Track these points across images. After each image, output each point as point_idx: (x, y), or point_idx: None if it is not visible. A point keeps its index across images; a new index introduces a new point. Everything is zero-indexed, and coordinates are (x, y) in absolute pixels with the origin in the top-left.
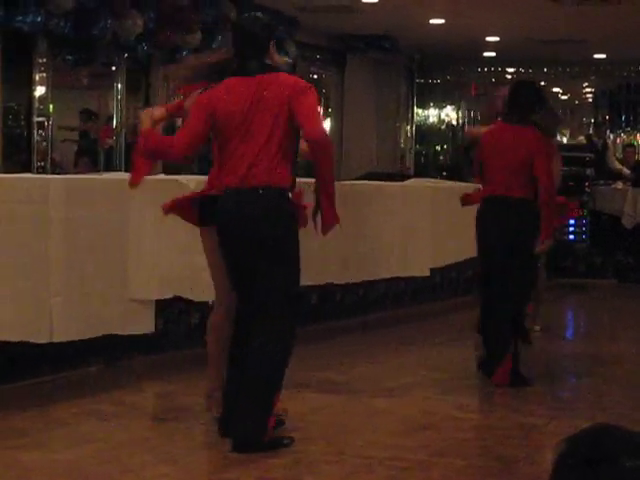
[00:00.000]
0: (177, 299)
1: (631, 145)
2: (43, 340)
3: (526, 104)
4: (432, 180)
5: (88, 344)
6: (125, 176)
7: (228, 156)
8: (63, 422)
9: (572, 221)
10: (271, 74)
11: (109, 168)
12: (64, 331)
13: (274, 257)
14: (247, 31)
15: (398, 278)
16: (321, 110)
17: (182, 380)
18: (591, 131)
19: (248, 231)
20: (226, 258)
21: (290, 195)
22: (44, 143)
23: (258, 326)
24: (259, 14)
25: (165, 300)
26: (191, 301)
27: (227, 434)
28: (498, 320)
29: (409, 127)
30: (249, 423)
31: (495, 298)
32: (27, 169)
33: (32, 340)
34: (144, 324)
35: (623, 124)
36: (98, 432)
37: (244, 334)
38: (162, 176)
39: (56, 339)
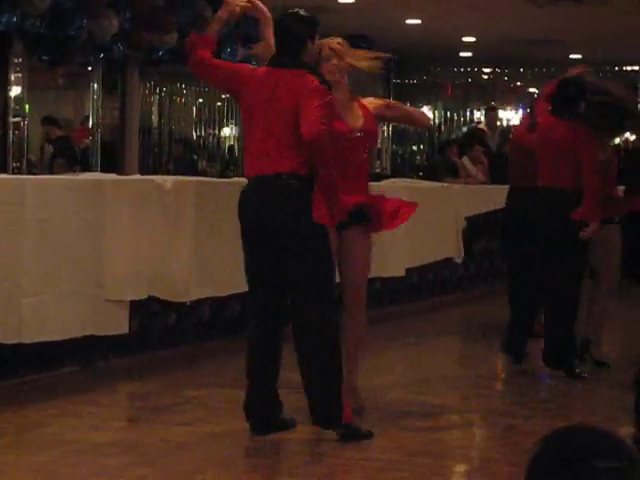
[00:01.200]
0: (153, 300)
1: None
2: (11, 340)
3: (572, 100)
4: (408, 180)
5: (63, 345)
6: (101, 176)
7: (249, 145)
8: (39, 423)
9: None
10: (293, 70)
11: (85, 168)
12: (34, 332)
13: (284, 247)
14: (285, 26)
15: (373, 278)
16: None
17: (158, 381)
18: None
19: (258, 218)
20: (244, 249)
21: (308, 185)
22: (20, 143)
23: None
24: (301, 11)
25: (141, 301)
26: (167, 302)
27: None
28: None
29: (385, 127)
30: (327, 410)
31: (519, 284)
32: (2, 169)
33: None
34: (118, 325)
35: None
36: (74, 433)
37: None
38: (138, 176)
39: (25, 340)
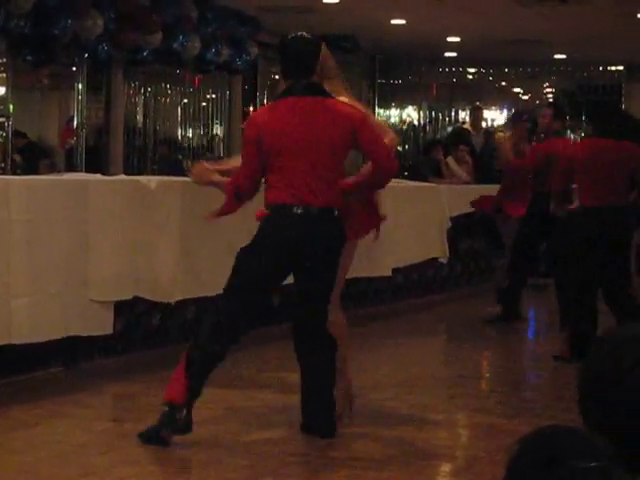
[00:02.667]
0: (138, 300)
1: None
2: (1, 342)
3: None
4: (394, 180)
5: (48, 346)
6: (86, 177)
7: (283, 173)
8: (24, 424)
9: None
10: (321, 98)
11: (70, 169)
12: (24, 333)
13: (312, 267)
14: (297, 51)
15: (359, 278)
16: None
17: (143, 381)
18: None
19: (299, 242)
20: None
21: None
22: (4, 144)
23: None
24: (305, 34)
25: (125, 301)
26: (152, 302)
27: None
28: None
29: None
30: (330, 417)
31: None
32: None
33: None
34: (103, 325)
35: (584, 124)
36: (59, 434)
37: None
38: (122, 177)
39: (15, 340)
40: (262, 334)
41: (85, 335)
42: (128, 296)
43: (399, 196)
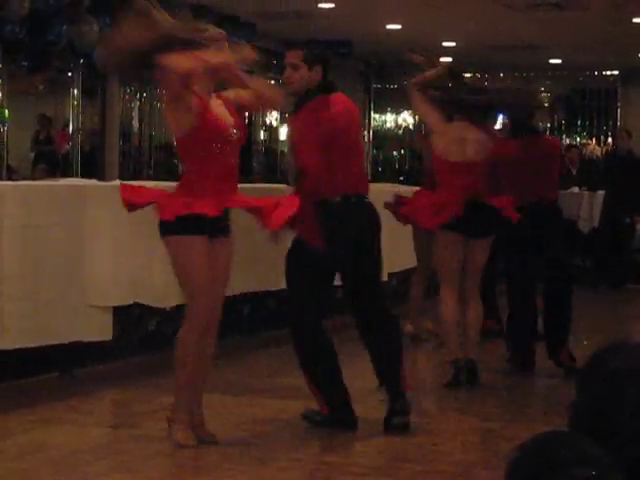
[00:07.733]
0: (134, 305)
1: (574, 146)
2: None
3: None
4: (389, 185)
5: (44, 351)
6: (82, 182)
7: (351, 167)
8: (19, 430)
9: None
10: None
11: (66, 174)
12: (17, 338)
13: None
14: None
15: None
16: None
17: (139, 387)
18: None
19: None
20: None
21: None
22: None
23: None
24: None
25: (122, 306)
26: (148, 307)
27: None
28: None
29: (366, 132)
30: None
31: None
32: None
33: None
34: (101, 331)
35: (579, 128)
36: (54, 440)
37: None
38: (117, 182)
39: (8, 346)
40: (257, 340)
41: (84, 341)
42: (125, 302)
43: None
